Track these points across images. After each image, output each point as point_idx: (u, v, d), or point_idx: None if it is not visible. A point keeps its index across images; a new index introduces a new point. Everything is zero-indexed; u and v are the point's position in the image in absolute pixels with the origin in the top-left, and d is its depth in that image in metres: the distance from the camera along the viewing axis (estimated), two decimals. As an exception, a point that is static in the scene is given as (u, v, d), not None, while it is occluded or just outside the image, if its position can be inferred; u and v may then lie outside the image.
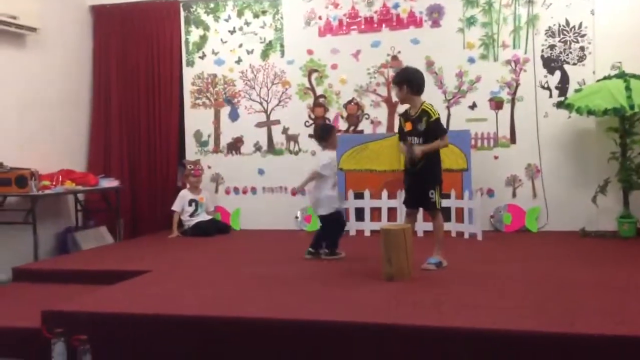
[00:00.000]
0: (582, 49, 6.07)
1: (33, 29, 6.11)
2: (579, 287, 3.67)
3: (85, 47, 7.24)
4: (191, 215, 6.66)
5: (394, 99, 6.31)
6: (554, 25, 6.14)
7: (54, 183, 5.88)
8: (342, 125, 6.75)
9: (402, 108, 5.03)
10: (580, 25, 6.06)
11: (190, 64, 7.21)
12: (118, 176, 6.88)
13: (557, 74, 6.15)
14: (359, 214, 6.26)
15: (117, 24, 7.23)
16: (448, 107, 6.39)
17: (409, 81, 4.43)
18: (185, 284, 4.12)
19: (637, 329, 2.78)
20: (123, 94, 7.23)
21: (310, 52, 6.81)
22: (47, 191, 5.69)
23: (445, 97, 6.41)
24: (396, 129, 5.24)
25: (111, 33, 7.24)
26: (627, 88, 5.33)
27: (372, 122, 6.65)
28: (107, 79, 7.25)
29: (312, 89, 6.85)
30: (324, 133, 5.06)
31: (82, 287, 4.27)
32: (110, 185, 6.61)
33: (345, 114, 6.75)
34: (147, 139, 7.19)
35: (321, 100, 6.82)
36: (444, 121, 6.24)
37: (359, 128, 6.71)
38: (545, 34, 6.17)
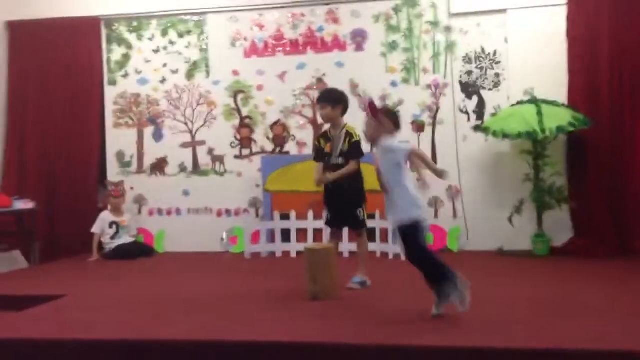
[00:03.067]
0: (497, 75, 6.35)
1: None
2: (492, 303, 3.79)
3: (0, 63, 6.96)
4: (112, 238, 6.45)
5: (320, 120, 6.38)
6: (471, 52, 6.40)
7: (-38, 205, 5.57)
8: (268, 146, 6.75)
9: (323, 129, 5.08)
10: (495, 53, 6.35)
11: (113, 82, 7.05)
12: (34, 197, 6.58)
13: (475, 98, 6.40)
14: (285, 235, 6.25)
15: (34, 40, 6.97)
16: (372, 129, 6.51)
17: (344, 102, 4.51)
18: (102, 308, 3.98)
19: (546, 342, 2.90)
20: (40, 113, 6.96)
21: (235, 72, 6.81)
22: (-46, 213, 5.38)
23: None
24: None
25: (27, 49, 6.98)
26: (539, 113, 5.60)
27: (297, 143, 6.69)
28: (23, 96, 6.97)
29: (238, 110, 6.83)
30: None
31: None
32: (25, 206, 6.32)
33: (271, 135, 6.77)
34: (66, 159, 6.93)
35: (247, 121, 6.80)
36: (366, 142, 6.39)
37: (285, 149, 6.73)
38: (463, 60, 6.42)
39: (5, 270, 5.90)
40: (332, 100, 4.50)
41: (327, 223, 4.69)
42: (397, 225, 3.60)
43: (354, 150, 4.45)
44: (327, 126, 4.73)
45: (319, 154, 4.61)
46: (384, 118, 3.73)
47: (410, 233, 3.51)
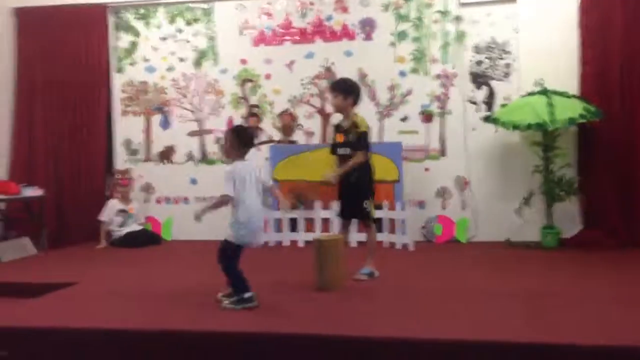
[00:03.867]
0: (507, 65, 6.30)
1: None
2: (502, 295, 3.78)
3: (7, 50, 6.94)
4: (120, 226, 6.47)
5: (328, 109, 6.37)
6: (481, 42, 6.35)
7: (-29, 192, 5.58)
8: (276, 135, 6.74)
9: (336, 119, 5.05)
10: (505, 43, 6.30)
11: (120, 70, 7.03)
12: (42, 185, 6.59)
13: (484, 89, 6.36)
14: (293, 224, 6.25)
15: (42, 27, 6.96)
16: (380, 120, 6.49)
17: (356, 93, 4.47)
18: (112, 296, 4.00)
19: (558, 337, 2.89)
20: (48, 100, 6.96)
21: (244, 61, 6.78)
22: (-37, 201, 5.40)
23: (378, 109, 6.51)
24: (330, 140, 5.26)
25: (36, 36, 6.97)
26: (549, 104, 5.55)
27: (305, 132, 6.66)
28: (31, 83, 6.97)
29: (246, 99, 6.81)
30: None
31: (2, 300, 4.06)
32: (34, 194, 6.34)
33: (279, 124, 6.75)
34: (74, 147, 6.94)
35: (255, 110, 6.79)
36: (377, 133, 6.38)
37: (293, 138, 6.71)
38: (473, 50, 6.37)
39: (14, 257, 5.93)
40: (345, 89, 4.45)
41: (338, 214, 4.68)
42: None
43: (360, 141, 4.41)
44: (339, 117, 4.68)
45: (334, 145, 4.58)
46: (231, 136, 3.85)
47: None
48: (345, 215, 4.61)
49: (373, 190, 4.53)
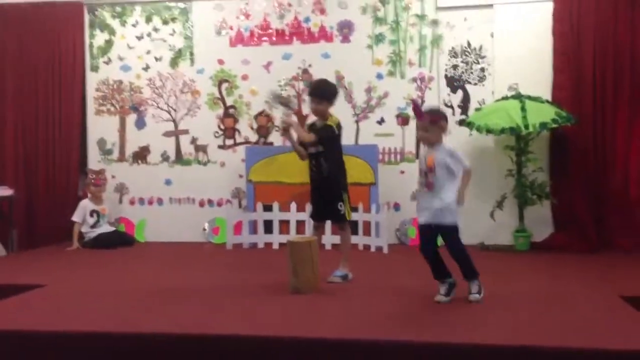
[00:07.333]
0: (482, 69, 6.36)
1: None
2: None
3: (-22, 47, 6.83)
4: (93, 227, 6.38)
5: (305, 111, 6.35)
6: (457, 46, 6.40)
7: (-62, 191, 5.47)
8: (252, 136, 6.71)
9: (311, 121, 5.05)
10: (480, 47, 6.35)
11: (95, 69, 6.94)
12: (12, 184, 6.48)
13: (459, 92, 6.40)
14: (268, 226, 6.23)
15: (15, 24, 6.83)
16: (357, 122, 6.51)
17: (333, 97, 4.50)
18: (81, 298, 3.94)
19: (528, 339, 2.92)
20: (20, 98, 6.84)
21: (220, 61, 6.74)
22: None
23: (355, 111, 6.52)
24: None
25: (8, 33, 6.84)
26: (523, 108, 5.61)
27: (279, 129, 6.62)
28: (3, 80, 6.84)
29: (222, 99, 6.77)
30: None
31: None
32: (3, 193, 6.24)
33: (255, 126, 6.72)
34: (46, 146, 6.82)
35: (231, 110, 6.75)
36: (353, 135, 6.40)
37: (269, 140, 6.69)
38: (449, 54, 6.42)
39: (-18, 257, 5.82)
40: (326, 96, 4.47)
41: (311, 216, 4.68)
42: (436, 224, 3.79)
43: (321, 130, 4.41)
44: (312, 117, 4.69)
45: (305, 145, 4.57)
46: (440, 120, 3.93)
47: (449, 233, 3.79)
48: (319, 217, 4.61)
49: (347, 189, 4.52)
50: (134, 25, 6.90)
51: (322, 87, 4.63)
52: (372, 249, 5.87)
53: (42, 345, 3.13)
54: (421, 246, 3.90)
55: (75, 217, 6.38)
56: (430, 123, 3.87)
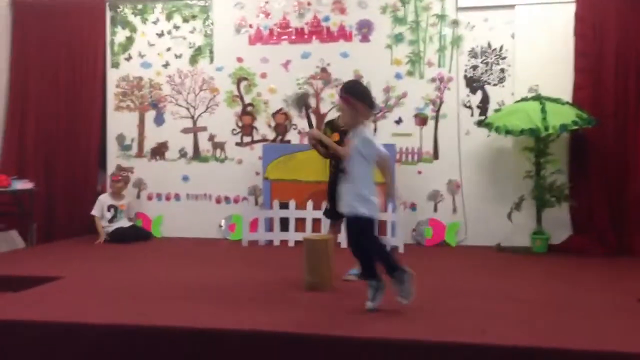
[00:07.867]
0: (502, 70, 6.32)
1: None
2: (490, 299, 3.78)
3: (2, 42, 6.91)
4: (110, 221, 6.44)
5: (323, 109, 6.35)
6: (477, 46, 6.37)
7: (-39, 183, 5.55)
8: (270, 134, 6.73)
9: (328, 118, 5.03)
10: (501, 48, 6.31)
11: (115, 65, 7.02)
12: (33, 178, 6.56)
13: (479, 93, 6.37)
14: (284, 224, 6.24)
15: (39, 20, 6.94)
16: (375, 121, 6.49)
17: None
18: (98, 291, 3.97)
19: (544, 341, 2.90)
20: (42, 93, 6.94)
21: (240, 59, 6.77)
22: (-47, 191, 5.36)
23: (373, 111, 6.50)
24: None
25: (32, 29, 6.95)
26: (543, 110, 5.57)
27: (299, 132, 6.66)
28: (25, 76, 6.95)
29: (241, 97, 6.80)
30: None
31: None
32: (24, 187, 6.31)
33: (273, 124, 6.74)
34: (67, 141, 6.91)
35: (249, 108, 6.78)
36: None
37: (287, 138, 6.71)
38: (469, 54, 6.38)
39: (2, 250, 5.90)
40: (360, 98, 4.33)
41: (325, 214, 4.66)
42: (351, 214, 3.49)
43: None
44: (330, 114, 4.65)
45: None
46: (351, 100, 3.46)
47: (360, 225, 3.45)
48: (334, 216, 4.58)
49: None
50: (154, 23, 6.96)
51: (362, 91, 4.44)
52: (388, 249, 5.83)
53: (59, 336, 3.16)
54: (347, 240, 3.65)
55: (95, 212, 6.44)
56: (343, 102, 3.47)
